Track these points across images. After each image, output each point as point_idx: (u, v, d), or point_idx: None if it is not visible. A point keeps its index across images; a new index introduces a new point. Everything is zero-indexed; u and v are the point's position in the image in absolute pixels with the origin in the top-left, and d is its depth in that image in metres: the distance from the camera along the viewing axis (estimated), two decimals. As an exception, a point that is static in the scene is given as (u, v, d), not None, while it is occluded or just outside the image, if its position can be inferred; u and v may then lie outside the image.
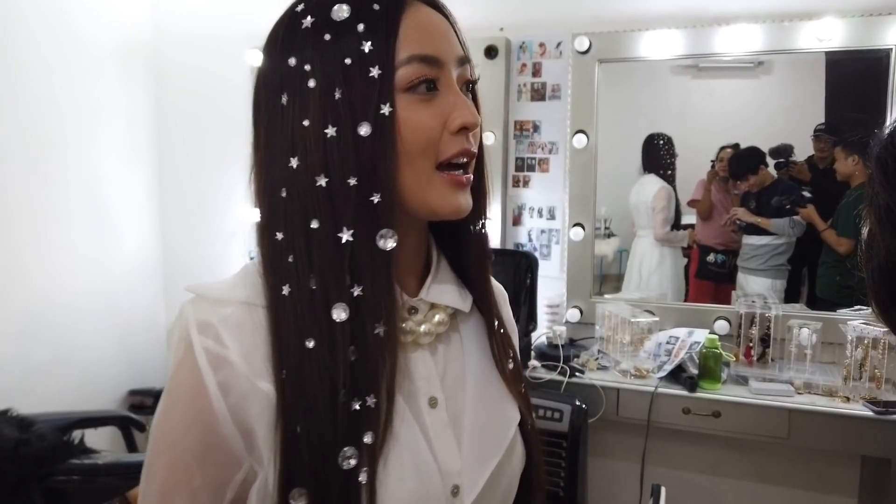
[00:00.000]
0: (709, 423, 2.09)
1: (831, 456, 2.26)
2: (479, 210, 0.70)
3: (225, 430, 0.60)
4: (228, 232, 3.01)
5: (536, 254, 2.59)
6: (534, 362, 2.32)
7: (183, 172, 3.07)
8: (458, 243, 0.73)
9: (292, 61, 0.61)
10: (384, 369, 0.61)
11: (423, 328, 0.68)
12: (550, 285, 2.59)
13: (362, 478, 0.58)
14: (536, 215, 2.65)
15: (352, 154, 0.59)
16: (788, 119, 2.49)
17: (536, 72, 2.60)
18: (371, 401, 0.59)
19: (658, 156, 2.62)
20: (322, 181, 0.59)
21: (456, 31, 0.67)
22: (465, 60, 0.65)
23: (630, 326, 2.30)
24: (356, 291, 0.60)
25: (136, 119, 2.95)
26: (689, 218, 2.66)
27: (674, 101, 2.65)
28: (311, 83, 0.60)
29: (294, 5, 0.65)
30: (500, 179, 2.62)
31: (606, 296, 2.63)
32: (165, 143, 3.07)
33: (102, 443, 2.43)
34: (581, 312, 2.55)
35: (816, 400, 2.03)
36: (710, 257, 2.60)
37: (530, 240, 2.67)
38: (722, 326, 2.36)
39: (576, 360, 2.32)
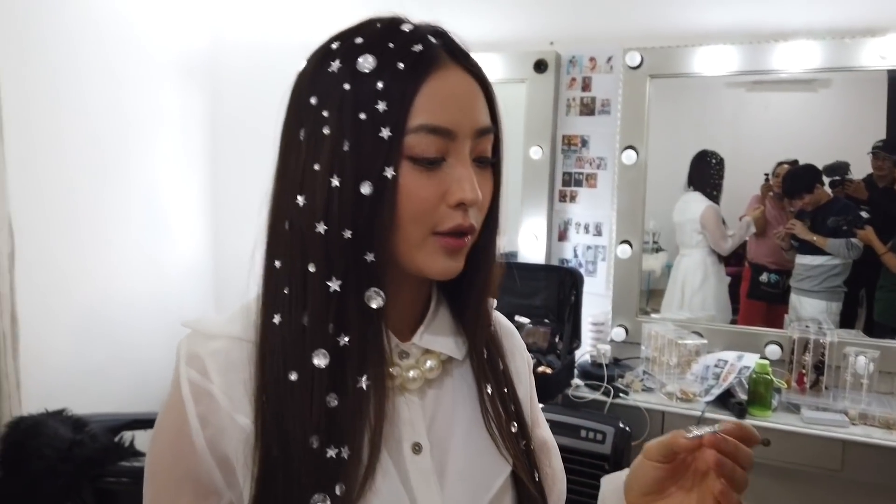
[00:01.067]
0: (758, 451, 1.99)
1: (887, 491, 2.17)
2: (480, 264, 0.70)
3: (203, 461, 0.62)
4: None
5: (582, 270, 2.56)
6: (577, 381, 2.30)
7: (235, 179, 3.15)
8: (459, 292, 0.73)
9: (313, 101, 0.61)
10: (363, 422, 0.61)
11: (411, 374, 0.68)
12: (595, 302, 2.56)
13: None
14: (583, 231, 2.63)
15: (351, 209, 0.59)
16: (846, 135, 2.42)
17: (586, 86, 2.58)
18: (345, 452, 0.60)
19: (707, 173, 2.56)
20: (321, 227, 0.60)
21: (490, 96, 0.65)
22: (485, 131, 0.64)
23: (677, 348, 2.25)
24: (342, 341, 0.60)
25: (192, 127, 3.04)
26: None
27: (727, 115, 2.59)
28: (326, 130, 0.60)
29: (330, 41, 0.64)
30: (546, 194, 2.61)
31: (653, 315, 2.58)
32: (219, 150, 3.15)
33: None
34: (626, 331, 2.51)
35: (872, 432, 1.95)
36: (763, 277, 2.53)
37: (576, 255, 2.64)
38: (773, 351, 2.29)
39: (620, 380, 2.29)
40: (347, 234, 0.59)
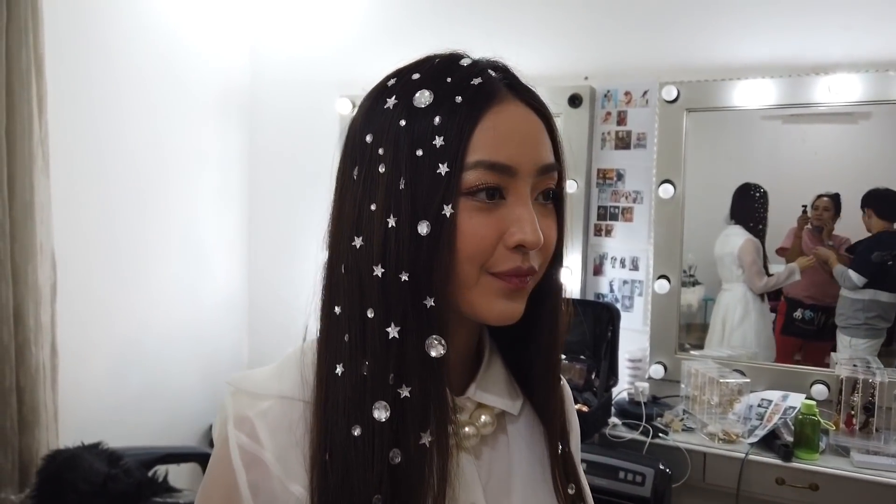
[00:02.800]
0: (806, 496, 1.94)
1: (946, 540, 2.06)
2: (545, 309, 0.66)
3: None
4: (312, 275, 3.09)
5: (618, 305, 2.52)
6: (614, 419, 2.24)
7: (270, 214, 3.19)
8: (514, 340, 0.68)
9: (369, 139, 0.59)
10: (426, 482, 0.57)
11: (467, 430, 0.64)
12: (633, 339, 2.51)
13: None
14: (619, 265, 2.59)
15: (408, 250, 0.56)
16: (886, 167, 2.35)
17: (621, 120, 2.57)
18: None
19: (751, 207, 2.51)
20: (378, 271, 0.57)
21: (553, 132, 0.63)
22: (548, 169, 0.60)
23: (719, 387, 2.18)
24: (403, 392, 0.57)
25: (230, 162, 3.10)
26: (777, 267, 2.53)
27: (763, 148, 2.55)
28: (381, 168, 0.57)
29: (387, 78, 0.62)
30: (581, 227, 2.58)
31: (693, 352, 2.52)
32: (256, 185, 3.20)
33: (183, 478, 2.50)
34: (665, 369, 2.45)
35: (928, 478, 1.86)
36: (797, 313, 2.45)
37: (612, 290, 2.60)
38: (820, 391, 2.21)
39: (659, 419, 2.23)
40: (405, 276, 0.56)
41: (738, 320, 2.52)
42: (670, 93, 2.42)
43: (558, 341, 0.67)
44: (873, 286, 2.32)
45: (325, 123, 3.00)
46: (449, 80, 0.58)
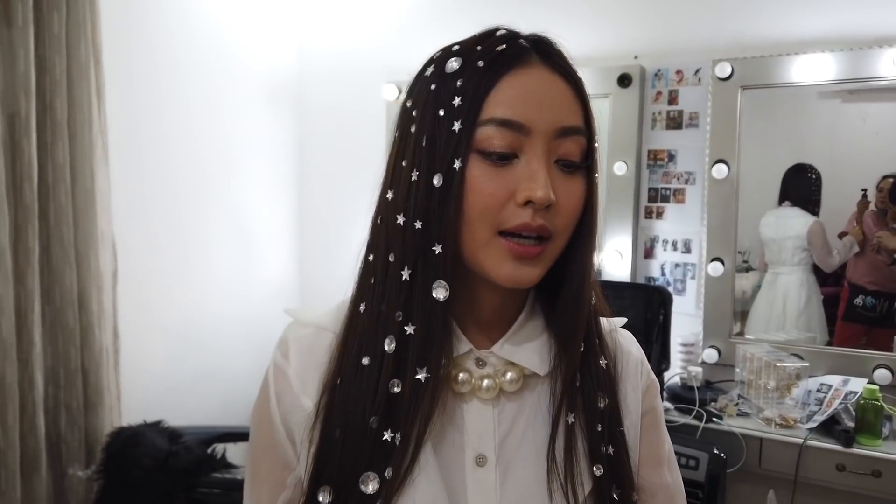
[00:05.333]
0: (867, 483, 1.88)
1: None
2: (570, 278, 0.67)
3: (278, 433, 0.69)
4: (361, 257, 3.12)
5: (670, 288, 2.47)
6: (667, 404, 2.21)
7: (320, 200, 3.23)
8: (554, 305, 0.69)
9: (409, 104, 0.65)
10: (416, 413, 0.62)
11: (485, 383, 0.66)
12: (685, 322, 2.46)
13: None
14: (670, 248, 2.54)
15: (423, 201, 0.61)
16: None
17: (672, 99, 2.51)
18: (398, 438, 0.61)
19: (807, 188, 2.43)
20: (400, 219, 0.62)
21: (584, 99, 0.64)
22: (568, 132, 0.62)
23: (776, 371, 2.13)
24: (408, 329, 0.62)
25: (280, 150, 3.14)
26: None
27: (820, 128, 2.46)
28: (413, 128, 0.63)
29: (434, 53, 0.67)
30: (631, 210, 2.54)
31: (748, 336, 2.46)
32: (306, 173, 3.25)
33: (239, 457, 2.57)
34: (719, 353, 2.40)
35: None
36: (858, 300, 2.36)
37: (663, 274, 2.56)
38: (883, 376, 2.13)
39: (713, 404, 2.18)
40: (418, 224, 0.61)
41: (804, 304, 2.44)
42: (724, 70, 2.36)
43: (581, 310, 0.67)
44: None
45: (372, 110, 3.02)
46: (479, 48, 0.62)
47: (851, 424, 1.96)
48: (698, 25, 2.45)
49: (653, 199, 2.56)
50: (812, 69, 2.25)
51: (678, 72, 2.49)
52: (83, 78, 2.05)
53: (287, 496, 0.69)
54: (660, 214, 2.55)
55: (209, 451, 1.86)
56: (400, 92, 2.94)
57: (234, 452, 2.16)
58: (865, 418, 1.93)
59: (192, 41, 2.63)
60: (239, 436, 2.27)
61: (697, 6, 2.45)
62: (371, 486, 0.61)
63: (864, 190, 2.34)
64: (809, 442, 1.94)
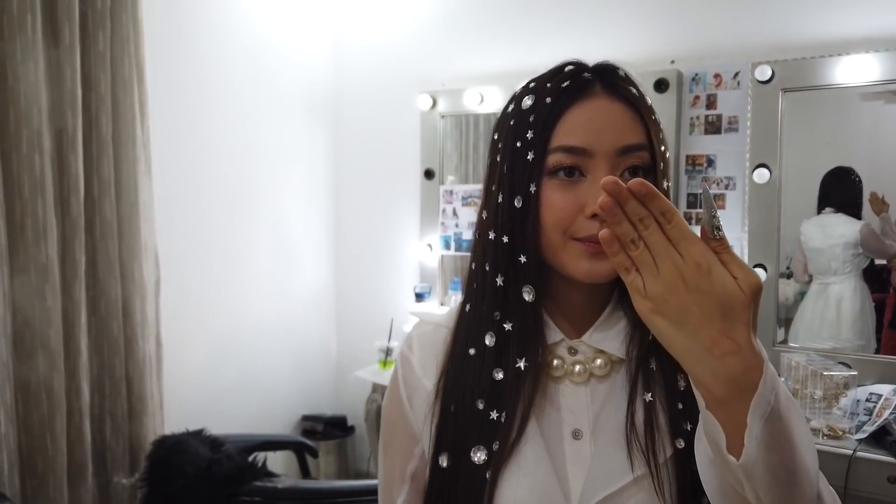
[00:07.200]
0: (921, 496, 1.82)
1: None
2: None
3: (406, 410, 0.82)
4: (396, 269, 3.14)
5: (711, 296, 2.42)
6: (708, 413, 2.16)
7: (355, 210, 3.26)
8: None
9: (496, 136, 0.78)
10: (518, 395, 0.74)
11: (577, 368, 0.77)
12: (726, 330, 2.40)
13: (488, 475, 0.72)
14: (711, 255, 2.49)
15: (508, 219, 0.74)
16: None
17: (711, 104, 2.47)
18: (503, 417, 0.73)
19: (850, 192, 2.36)
20: (492, 235, 0.76)
21: (645, 119, 0.72)
22: (630, 149, 0.70)
23: (822, 380, 2.07)
24: (506, 326, 0.75)
25: (316, 161, 3.18)
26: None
27: (864, 130, 2.39)
28: (498, 157, 0.76)
29: (516, 91, 0.78)
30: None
31: (792, 344, 2.40)
32: (341, 183, 3.28)
33: (278, 465, 2.59)
34: (762, 361, 2.34)
35: None
36: (906, 306, 2.29)
37: (703, 280, 2.51)
38: (936, 385, 2.06)
39: (757, 413, 2.13)
40: (505, 238, 0.74)
41: (857, 312, 2.37)
42: (764, 73, 2.31)
43: None
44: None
45: (407, 119, 3.04)
46: (549, 85, 0.73)
47: (903, 435, 1.89)
48: (736, 28, 2.42)
49: (692, 206, 2.52)
50: (855, 70, 2.20)
51: (716, 75, 2.46)
52: (127, 94, 2.10)
53: (414, 465, 0.82)
54: (698, 221, 2.51)
55: (250, 459, 1.89)
56: (434, 102, 2.95)
57: (273, 461, 2.18)
58: (918, 429, 1.87)
59: (231, 55, 2.68)
60: (278, 444, 2.29)
61: (734, 8, 2.41)
62: (480, 457, 0.73)
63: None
64: (859, 453, 1.88)
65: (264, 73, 2.84)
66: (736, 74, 2.42)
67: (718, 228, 0.55)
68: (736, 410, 0.53)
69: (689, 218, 2.51)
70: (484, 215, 0.78)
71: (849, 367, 2.15)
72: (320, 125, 3.19)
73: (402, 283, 3.10)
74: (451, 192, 3.00)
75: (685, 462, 0.70)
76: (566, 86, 0.71)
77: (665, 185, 0.73)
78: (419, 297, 2.94)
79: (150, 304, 2.21)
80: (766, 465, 0.54)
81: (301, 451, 2.23)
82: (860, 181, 2.35)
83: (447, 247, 3.02)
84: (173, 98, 2.43)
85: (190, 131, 2.52)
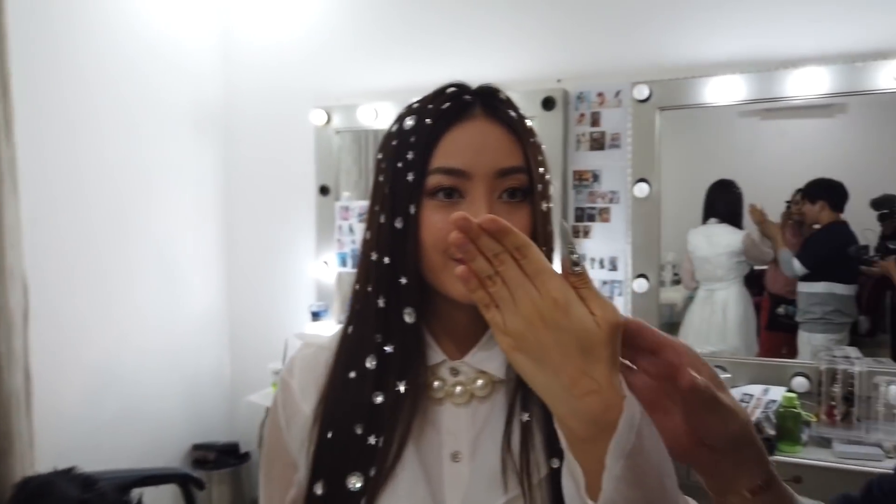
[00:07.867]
0: (791, 488, 1.94)
1: (931, 527, 2.06)
2: None
3: (284, 435, 0.80)
4: (291, 288, 3.07)
5: (599, 306, 2.51)
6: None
7: (248, 227, 3.16)
8: None
9: (379, 156, 0.77)
10: (397, 419, 0.72)
11: (457, 389, 0.76)
12: (614, 339, 2.50)
13: (363, 502, 0.71)
14: (598, 266, 2.59)
15: (389, 240, 0.73)
16: (867, 159, 2.37)
17: (595, 121, 2.57)
18: (381, 442, 0.72)
19: (733, 204, 2.52)
20: (374, 256, 0.75)
21: (523, 141, 0.73)
22: (508, 172, 0.71)
23: (700, 384, 2.18)
24: (388, 349, 0.74)
25: (206, 177, 3.07)
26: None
27: (742, 145, 2.56)
28: (381, 178, 0.75)
29: (400, 111, 0.78)
30: (558, 230, 2.57)
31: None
32: (233, 200, 3.17)
33: (165, 500, 2.46)
34: (647, 367, 2.45)
35: (911, 466, 1.86)
36: (781, 309, 2.46)
37: (592, 291, 2.59)
38: (800, 383, 2.21)
39: (643, 418, 2.22)
40: (387, 260, 0.74)
41: (741, 317, 2.52)
42: (642, 92, 2.43)
43: None
44: (828, 279, 2.34)
45: (301, 134, 2.99)
46: (430, 106, 0.74)
47: (772, 432, 2.02)
48: (617, 49, 2.53)
49: (579, 219, 2.61)
50: (725, 90, 2.34)
51: (599, 94, 2.56)
52: (-14, 109, 1.95)
53: (293, 494, 0.79)
54: (587, 233, 2.59)
55: (125, 497, 1.77)
56: (329, 117, 2.92)
57: (157, 497, 2.07)
58: (785, 426, 2.00)
59: (112, 65, 2.54)
60: (161, 478, 2.17)
61: (616, 30, 2.52)
62: (356, 483, 0.71)
63: (789, 202, 2.45)
64: (735, 452, 1.99)
65: (145, 86, 2.71)
66: (617, 93, 2.53)
67: (577, 264, 0.53)
68: (596, 449, 0.52)
69: (577, 231, 2.60)
70: (367, 236, 0.77)
71: (724, 369, 2.27)
72: (209, 139, 3.08)
73: (299, 303, 3.03)
74: (347, 209, 2.97)
75: (560, 481, 0.70)
76: (446, 107, 0.72)
77: (544, 206, 0.74)
78: (315, 315, 2.89)
79: (17, 335, 2.05)
80: (627, 502, 0.52)
81: (186, 483, 2.11)
82: (741, 193, 2.51)
83: (344, 263, 2.98)
84: (44, 111, 2.28)
85: (64, 147, 2.37)
